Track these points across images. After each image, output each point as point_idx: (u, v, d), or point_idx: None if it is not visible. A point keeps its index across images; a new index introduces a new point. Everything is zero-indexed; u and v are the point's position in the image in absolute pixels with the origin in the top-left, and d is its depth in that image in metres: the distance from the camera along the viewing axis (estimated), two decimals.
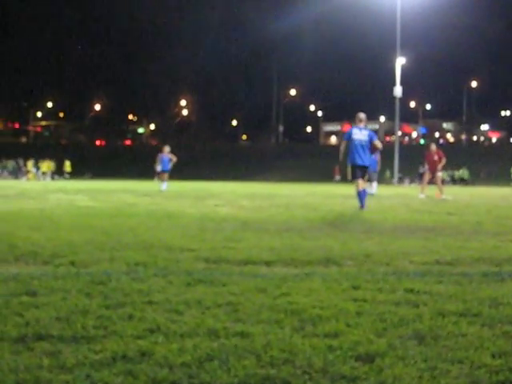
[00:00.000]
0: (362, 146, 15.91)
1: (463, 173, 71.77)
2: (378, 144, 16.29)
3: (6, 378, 3.07)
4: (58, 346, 3.55)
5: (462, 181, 69.67)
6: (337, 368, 3.26)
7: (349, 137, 16.09)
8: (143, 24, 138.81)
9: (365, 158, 15.99)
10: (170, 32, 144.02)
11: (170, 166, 32.65)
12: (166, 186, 31.59)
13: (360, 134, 16.04)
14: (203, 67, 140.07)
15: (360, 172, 15.89)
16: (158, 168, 32.56)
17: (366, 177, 16.97)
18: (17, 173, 68.79)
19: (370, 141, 16.02)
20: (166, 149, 33.33)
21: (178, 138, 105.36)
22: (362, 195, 15.71)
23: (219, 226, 10.66)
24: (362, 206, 15.50)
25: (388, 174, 69.83)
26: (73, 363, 3.28)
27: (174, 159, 32.79)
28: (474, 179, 71.30)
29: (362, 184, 15.79)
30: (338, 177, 68.49)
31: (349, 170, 16.09)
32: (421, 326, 4.08)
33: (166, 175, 32.25)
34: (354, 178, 15.88)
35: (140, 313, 4.31)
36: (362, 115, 16.36)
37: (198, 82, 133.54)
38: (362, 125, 16.24)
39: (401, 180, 68.52)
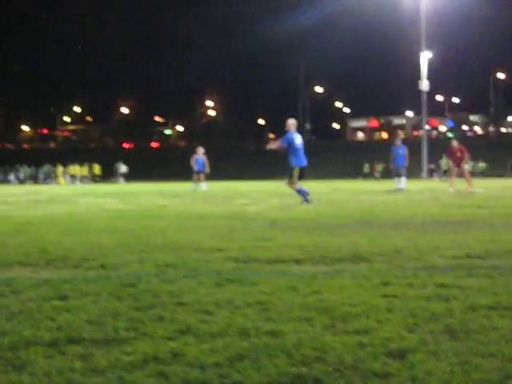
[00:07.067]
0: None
1: (480, 165, 66.36)
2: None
3: (39, 382, 3.10)
4: (89, 349, 3.58)
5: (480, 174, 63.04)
6: (368, 365, 3.25)
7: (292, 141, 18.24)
8: (168, 25, 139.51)
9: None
10: (194, 32, 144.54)
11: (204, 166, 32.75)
12: (205, 186, 31.72)
13: (300, 138, 18.57)
14: (228, 67, 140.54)
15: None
16: (195, 168, 32.65)
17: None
18: (48, 178, 69.53)
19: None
20: (200, 150, 33.38)
21: (205, 139, 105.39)
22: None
23: (248, 225, 10.67)
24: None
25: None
26: (104, 365, 3.30)
27: (206, 163, 32.88)
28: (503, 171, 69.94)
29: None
30: (377, 174, 69.19)
31: (296, 171, 18.05)
32: (452, 320, 4.06)
33: (201, 176, 32.36)
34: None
35: (170, 314, 4.32)
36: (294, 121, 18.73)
37: (224, 82, 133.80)
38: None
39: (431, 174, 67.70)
